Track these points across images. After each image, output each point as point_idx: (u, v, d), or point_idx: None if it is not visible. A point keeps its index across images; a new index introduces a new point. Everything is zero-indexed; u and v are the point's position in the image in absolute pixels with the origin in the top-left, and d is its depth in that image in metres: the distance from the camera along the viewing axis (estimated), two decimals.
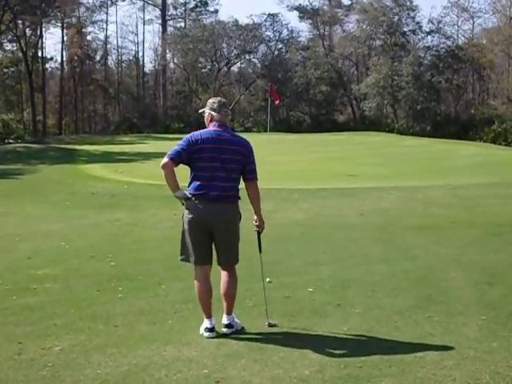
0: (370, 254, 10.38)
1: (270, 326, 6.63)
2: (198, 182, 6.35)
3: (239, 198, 6.52)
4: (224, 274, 6.58)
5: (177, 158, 6.31)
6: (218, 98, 6.73)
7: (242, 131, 57.19)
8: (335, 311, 7.18)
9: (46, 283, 8.74)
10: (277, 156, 29.29)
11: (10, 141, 49.30)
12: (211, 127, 6.47)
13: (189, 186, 6.43)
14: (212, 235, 6.43)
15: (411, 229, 12.60)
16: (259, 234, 6.80)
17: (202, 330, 6.45)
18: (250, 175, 6.51)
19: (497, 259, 9.86)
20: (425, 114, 58.21)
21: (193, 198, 6.35)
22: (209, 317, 6.46)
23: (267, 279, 8.36)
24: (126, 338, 6.35)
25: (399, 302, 7.51)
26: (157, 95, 74.51)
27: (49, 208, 16.51)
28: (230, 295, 6.54)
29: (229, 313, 6.53)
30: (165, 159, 6.30)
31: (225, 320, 6.50)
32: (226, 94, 71.08)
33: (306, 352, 5.87)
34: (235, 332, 6.46)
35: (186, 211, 6.42)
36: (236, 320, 6.59)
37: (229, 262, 6.58)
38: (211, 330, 6.40)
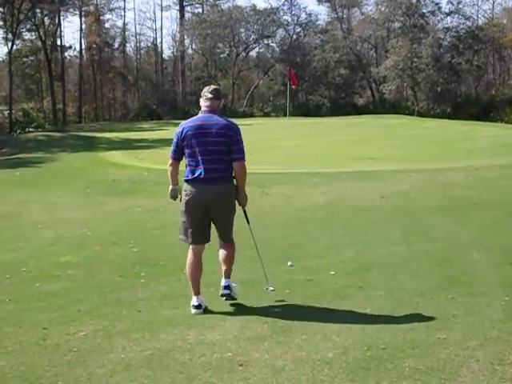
0: (391, 236, 10.36)
1: (269, 290, 7.24)
2: (188, 168, 6.80)
3: (233, 178, 6.85)
4: (222, 244, 7.09)
5: (177, 156, 6.93)
6: (208, 86, 7.13)
7: (261, 116, 57.18)
8: (357, 294, 7.18)
9: (69, 270, 8.82)
10: (296, 140, 29.25)
11: (31, 129, 49.57)
12: (199, 113, 6.91)
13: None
14: (208, 214, 6.81)
15: (433, 211, 12.55)
16: (243, 207, 7.16)
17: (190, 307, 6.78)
18: (235, 155, 6.75)
19: None
20: (445, 96, 57.65)
21: (187, 184, 6.83)
22: (197, 294, 6.85)
23: (289, 263, 8.40)
24: (149, 323, 6.40)
25: (421, 283, 7.50)
26: (176, 81, 74.33)
27: (70, 195, 16.60)
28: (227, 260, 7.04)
29: (227, 276, 6.96)
30: (169, 160, 7.01)
31: (223, 282, 6.95)
32: (245, 79, 71.07)
33: (329, 334, 5.88)
34: (230, 297, 6.92)
35: (184, 193, 6.85)
36: (234, 285, 7.01)
37: (225, 236, 7.02)
38: (198, 307, 6.78)
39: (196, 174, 6.69)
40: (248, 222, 7.25)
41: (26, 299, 7.49)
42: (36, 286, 8.07)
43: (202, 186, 6.68)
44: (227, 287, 6.91)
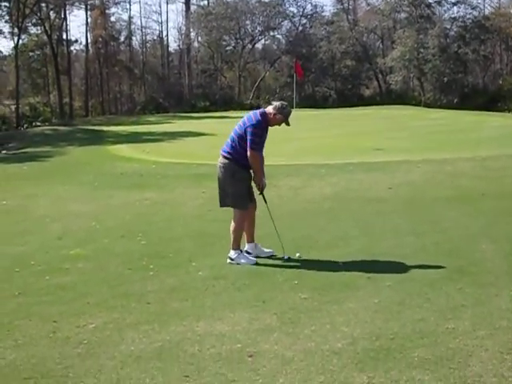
0: (399, 227, 10.35)
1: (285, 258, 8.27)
2: None
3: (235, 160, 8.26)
4: None
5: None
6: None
7: None
8: (366, 284, 7.19)
9: (77, 263, 8.85)
10: (303, 132, 29.18)
11: (38, 124, 49.65)
12: None
13: None
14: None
15: (440, 201, 12.54)
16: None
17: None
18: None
19: None
20: (452, 86, 57.44)
21: None
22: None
23: (297, 254, 8.41)
24: (158, 315, 6.42)
25: (430, 274, 7.50)
26: (182, 74, 74.27)
27: (78, 189, 16.63)
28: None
29: (231, 248, 8.37)
30: None
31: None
32: (251, 72, 70.98)
33: (338, 325, 5.90)
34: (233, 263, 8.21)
35: None
36: (245, 255, 8.37)
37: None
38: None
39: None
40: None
41: (35, 292, 7.53)
42: (45, 279, 8.10)
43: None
44: (229, 257, 8.33)
